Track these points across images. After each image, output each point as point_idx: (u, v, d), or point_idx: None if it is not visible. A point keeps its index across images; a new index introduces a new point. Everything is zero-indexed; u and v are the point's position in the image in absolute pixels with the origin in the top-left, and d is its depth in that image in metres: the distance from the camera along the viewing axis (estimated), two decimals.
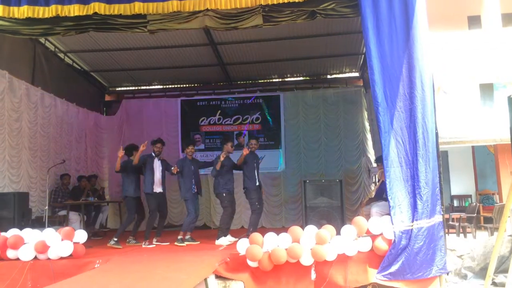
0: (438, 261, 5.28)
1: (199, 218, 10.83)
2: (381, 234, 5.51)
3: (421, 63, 5.56)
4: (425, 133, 5.48)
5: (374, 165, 10.37)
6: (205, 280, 5.10)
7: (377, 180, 7.99)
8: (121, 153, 7.53)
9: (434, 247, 5.28)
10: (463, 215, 7.47)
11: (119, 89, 12.82)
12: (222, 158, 7.58)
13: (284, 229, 5.91)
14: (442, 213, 5.43)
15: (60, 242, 5.92)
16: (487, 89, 6.51)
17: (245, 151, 7.62)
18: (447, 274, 5.45)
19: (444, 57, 6.20)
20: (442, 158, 5.62)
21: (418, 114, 5.52)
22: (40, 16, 6.05)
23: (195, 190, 7.79)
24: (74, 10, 6.01)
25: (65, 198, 9.09)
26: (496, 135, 6.28)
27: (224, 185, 7.72)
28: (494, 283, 5.35)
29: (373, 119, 10.72)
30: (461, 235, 7.14)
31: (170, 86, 12.61)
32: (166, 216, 8.36)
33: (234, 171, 8.06)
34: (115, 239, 7.35)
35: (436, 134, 5.51)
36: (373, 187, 10.25)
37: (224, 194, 7.72)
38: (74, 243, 6.01)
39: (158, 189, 7.74)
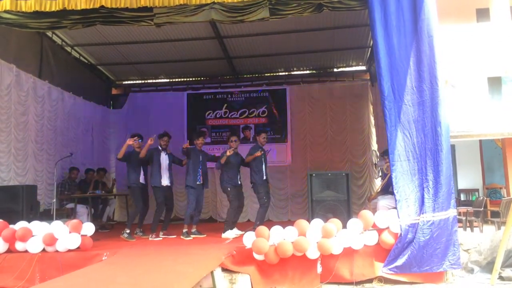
0: (450, 256, 5.27)
1: (205, 211, 10.93)
2: (388, 227, 5.51)
3: (429, 56, 5.53)
4: (433, 127, 5.47)
5: (374, 158, 10.37)
6: (212, 273, 5.13)
7: (383, 174, 7.96)
8: (130, 141, 7.55)
9: (447, 241, 5.26)
10: (470, 209, 7.44)
11: (126, 82, 12.84)
12: (228, 154, 7.59)
13: (290, 222, 5.92)
14: (456, 206, 5.43)
15: (68, 234, 5.98)
16: (495, 82, 6.45)
17: (258, 154, 7.66)
18: (455, 269, 5.44)
19: (452, 50, 6.15)
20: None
21: (427, 108, 5.51)
22: (47, 9, 6.07)
23: (201, 181, 7.82)
24: (81, 3, 6.02)
25: (72, 191, 9.14)
26: (504, 129, 6.23)
27: (229, 180, 7.74)
28: (501, 277, 5.33)
29: (379, 113, 10.70)
30: (468, 229, 7.11)
31: (176, 80, 12.62)
32: (173, 209, 8.38)
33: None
34: (128, 231, 7.39)
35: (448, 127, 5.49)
36: (378, 181, 10.23)
37: (229, 189, 7.74)
38: (82, 235, 6.07)
39: (165, 182, 7.78)
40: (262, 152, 7.80)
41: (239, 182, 7.92)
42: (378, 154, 10.53)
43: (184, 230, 7.54)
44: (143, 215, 8.02)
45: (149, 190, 8.03)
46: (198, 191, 7.77)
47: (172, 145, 8.36)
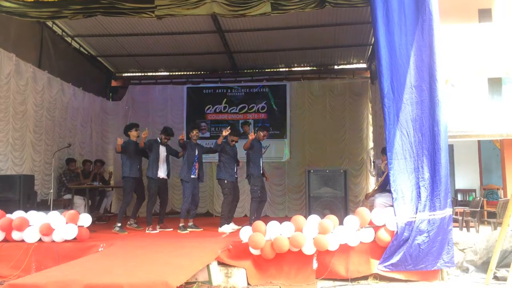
0: (445, 255, 5.29)
1: (202, 205, 10.92)
2: (384, 225, 5.52)
3: (429, 57, 5.52)
4: (431, 126, 5.47)
5: (371, 156, 10.39)
6: (208, 266, 5.14)
7: (381, 171, 7.98)
8: (120, 141, 7.50)
9: (442, 240, 5.29)
10: (467, 209, 7.46)
11: (126, 74, 12.83)
12: (225, 133, 7.54)
13: (288, 218, 5.93)
14: (452, 206, 5.44)
15: (64, 225, 5.98)
16: (495, 83, 6.46)
17: (251, 136, 7.62)
18: (450, 268, 5.46)
19: (453, 50, 6.15)
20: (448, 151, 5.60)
21: (425, 107, 5.51)
22: None
23: (196, 175, 7.80)
24: None
25: (72, 181, 9.13)
26: (503, 129, 6.24)
27: (226, 172, 7.71)
28: (495, 277, 5.35)
29: (377, 111, 10.71)
30: (464, 229, 7.13)
31: (176, 73, 12.60)
32: (167, 203, 8.36)
33: (240, 158, 8.07)
34: (119, 225, 7.38)
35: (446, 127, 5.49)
36: (375, 179, 10.25)
37: (226, 181, 7.70)
38: (79, 226, 6.07)
39: (162, 174, 7.78)
40: (255, 136, 7.76)
41: (236, 176, 7.90)
42: (374, 152, 10.55)
43: (181, 224, 7.54)
44: (137, 206, 7.99)
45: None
46: (193, 184, 7.73)
47: (171, 139, 8.34)
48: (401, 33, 5.64)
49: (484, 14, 7.18)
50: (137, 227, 7.70)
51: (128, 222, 7.75)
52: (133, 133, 7.79)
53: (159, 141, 7.81)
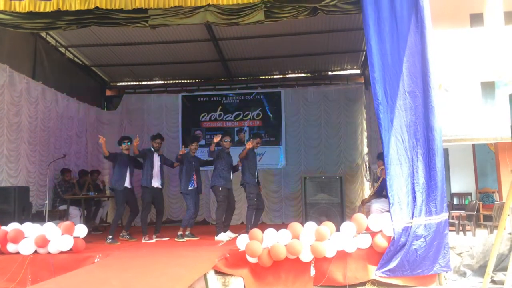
0: (441, 259, 5.30)
1: (198, 214, 10.87)
2: (381, 231, 5.52)
3: (422, 63, 5.56)
4: (425, 132, 5.50)
5: (367, 162, 10.39)
6: (205, 275, 5.12)
7: (377, 177, 7.98)
8: (102, 139, 7.50)
9: (439, 244, 5.30)
10: (463, 213, 7.47)
11: (120, 84, 12.80)
12: (215, 140, 7.50)
13: (284, 225, 5.92)
14: (448, 210, 5.46)
15: (60, 236, 5.94)
16: (488, 87, 6.50)
17: (248, 145, 7.61)
18: (446, 272, 5.47)
19: (446, 54, 6.18)
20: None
21: (419, 113, 5.54)
22: (42, 10, 6.03)
23: (195, 186, 7.80)
24: (76, 4, 5.99)
25: (68, 192, 9.07)
26: (497, 133, 6.27)
27: (221, 179, 7.66)
28: (493, 281, 5.35)
29: (371, 116, 10.75)
30: (461, 233, 7.14)
31: (171, 82, 12.60)
32: (163, 212, 8.33)
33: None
34: (110, 237, 7.30)
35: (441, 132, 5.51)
36: (371, 184, 10.25)
37: (220, 188, 7.64)
38: (74, 237, 6.03)
39: (155, 183, 7.74)
40: (252, 146, 7.72)
41: (230, 185, 7.87)
42: (369, 157, 10.56)
43: (179, 233, 7.53)
44: (130, 219, 7.92)
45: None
46: (194, 196, 7.75)
47: (166, 148, 8.34)
48: (393, 40, 5.67)
49: (476, 18, 7.24)
50: (129, 238, 7.65)
51: (121, 234, 7.69)
52: (122, 147, 7.79)
53: (153, 150, 7.81)
